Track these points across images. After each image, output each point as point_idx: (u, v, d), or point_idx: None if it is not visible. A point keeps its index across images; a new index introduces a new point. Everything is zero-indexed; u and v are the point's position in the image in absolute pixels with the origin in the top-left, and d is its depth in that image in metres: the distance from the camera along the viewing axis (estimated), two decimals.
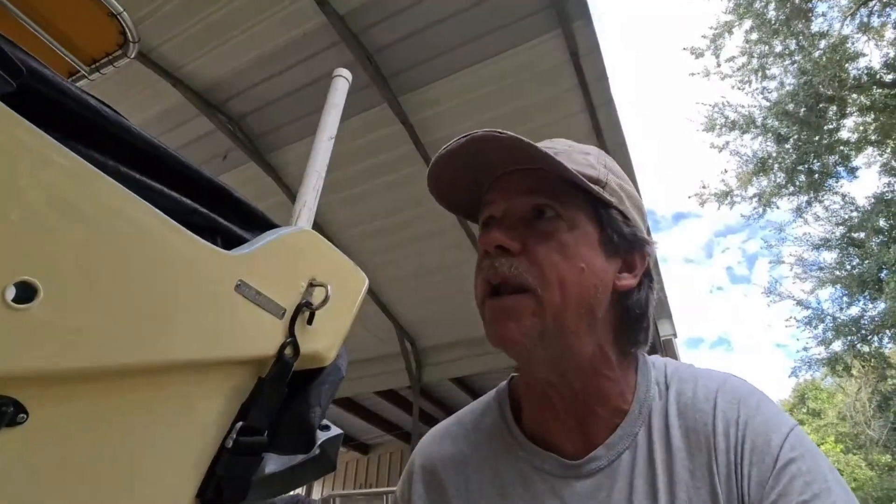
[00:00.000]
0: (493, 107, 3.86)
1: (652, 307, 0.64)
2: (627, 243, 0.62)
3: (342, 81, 1.34)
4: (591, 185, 0.60)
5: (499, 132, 0.58)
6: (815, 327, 10.61)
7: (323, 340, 0.70)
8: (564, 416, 0.62)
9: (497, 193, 0.63)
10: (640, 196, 0.67)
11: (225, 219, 0.73)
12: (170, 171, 0.69)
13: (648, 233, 0.65)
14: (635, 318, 0.62)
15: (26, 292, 0.41)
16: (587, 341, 0.59)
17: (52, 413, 0.45)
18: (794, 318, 10.90)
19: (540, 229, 0.59)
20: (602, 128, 3.84)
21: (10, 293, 0.40)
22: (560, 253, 0.58)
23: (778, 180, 10.93)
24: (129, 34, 1.68)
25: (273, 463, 0.68)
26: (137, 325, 0.48)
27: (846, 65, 9.40)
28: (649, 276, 0.64)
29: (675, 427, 0.58)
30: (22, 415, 0.43)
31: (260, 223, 0.79)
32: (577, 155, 0.63)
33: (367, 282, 0.80)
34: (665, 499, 0.54)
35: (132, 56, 1.72)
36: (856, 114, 10.09)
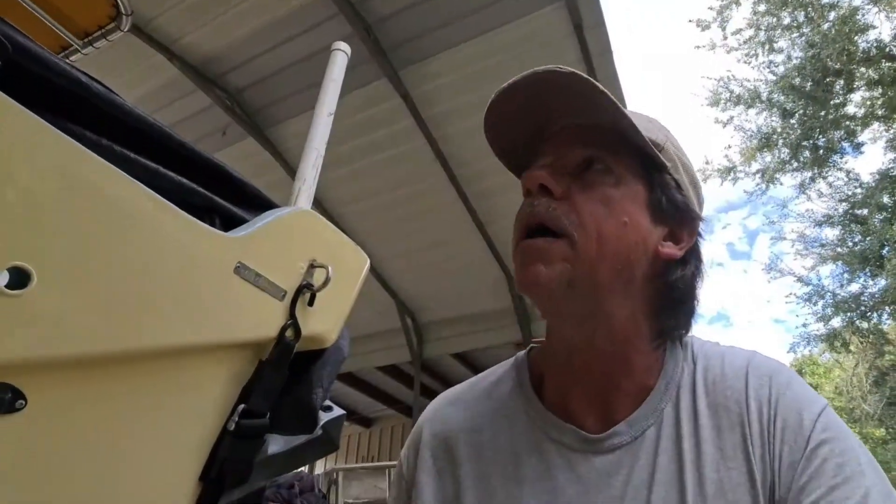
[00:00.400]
0: (495, 80, 3.78)
1: (698, 291, 0.61)
2: (677, 212, 0.59)
3: (341, 55, 1.31)
4: (647, 143, 0.58)
5: (560, 67, 0.56)
6: (815, 304, 10.65)
7: (324, 322, 0.69)
8: (587, 388, 0.60)
9: (548, 146, 0.62)
10: (698, 177, 0.65)
11: (223, 199, 0.72)
12: (165, 150, 0.68)
13: (701, 216, 0.62)
14: (678, 296, 0.60)
15: (20, 278, 0.40)
16: (621, 304, 0.57)
17: (51, 399, 0.44)
18: (794, 294, 10.93)
19: (587, 180, 0.58)
20: None
21: (3, 279, 0.40)
22: (603, 204, 0.56)
23: (782, 156, 10.83)
24: (122, 6, 1.64)
25: (275, 444, 0.68)
26: (135, 310, 0.47)
27: (855, 37, 9.21)
28: (697, 258, 0.62)
29: (703, 404, 0.57)
30: (20, 401, 0.42)
31: (258, 203, 0.77)
32: (639, 117, 0.61)
33: (368, 262, 0.79)
34: (692, 477, 0.52)
35: (126, 29, 1.67)
36: (863, 88, 9.93)
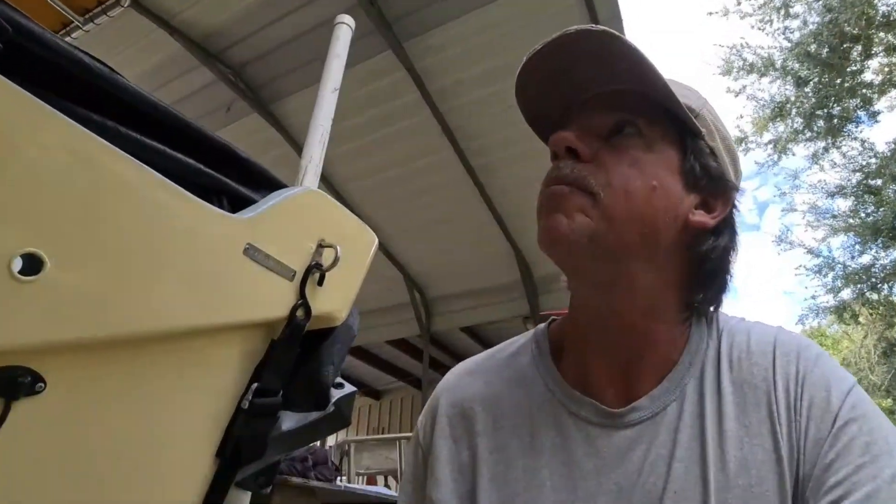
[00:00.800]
0: (501, 51, 3.71)
1: (731, 264, 0.60)
2: (711, 181, 0.58)
3: (344, 29, 1.29)
4: (682, 108, 0.56)
5: (592, 26, 0.54)
6: (825, 275, 10.57)
7: (334, 301, 0.70)
8: (609, 360, 0.59)
9: (580, 112, 0.60)
10: (735, 147, 0.63)
11: (230, 179, 0.72)
12: (171, 130, 0.67)
13: (738, 186, 0.60)
14: (710, 268, 0.58)
15: (33, 264, 0.40)
16: (645, 270, 0.55)
17: (69, 381, 0.45)
18: (804, 266, 10.85)
19: (617, 144, 0.56)
20: None
21: (17, 265, 0.40)
22: (632, 166, 0.54)
23: (795, 125, 10.61)
24: None
25: (289, 420, 0.69)
26: (146, 294, 0.48)
27: (875, 1, 8.91)
28: (732, 229, 0.60)
29: (728, 380, 0.55)
30: (40, 384, 0.43)
31: (266, 182, 0.77)
32: (676, 83, 0.59)
33: (376, 240, 0.79)
34: (714, 454, 0.51)
35: (126, 5, 1.65)
36: (881, 54, 9.64)
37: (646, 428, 0.55)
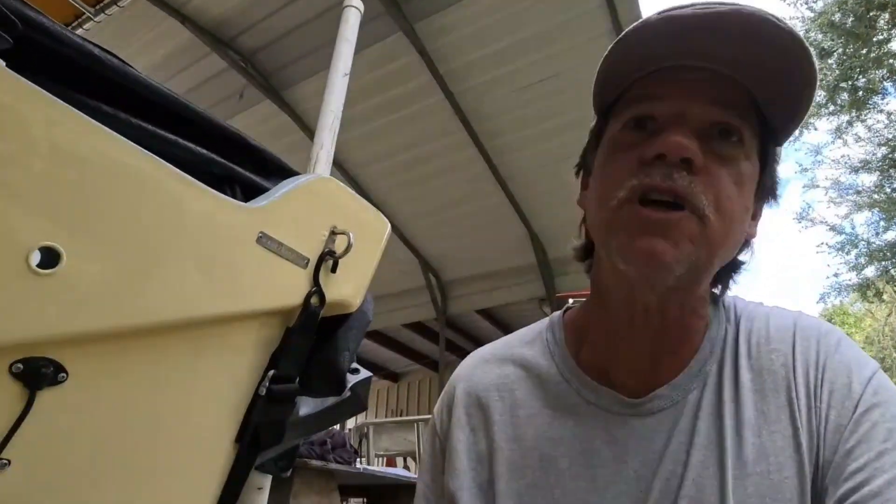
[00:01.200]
0: (512, 31, 3.65)
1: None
2: (770, 191, 0.56)
3: (353, 12, 1.27)
4: (792, 115, 0.51)
5: (767, 15, 0.46)
6: (848, 253, 10.35)
7: (348, 287, 0.70)
8: (637, 351, 0.57)
9: (672, 89, 0.51)
10: None
11: (242, 167, 0.72)
12: (183, 120, 0.67)
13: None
14: (738, 266, 0.58)
15: (50, 257, 0.41)
16: (709, 278, 0.55)
17: (91, 371, 0.46)
18: (826, 243, 10.62)
19: (722, 152, 0.50)
20: None
21: (35, 258, 0.41)
22: (737, 185, 0.50)
23: (817, 99, 10.32)
24: None
25: (306, 406, 0.70)
26: (162, 284, 0.48)
27: None
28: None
29: (746, 367, 0.54)
30: (62, 374, 0.44)
31: (278, 170, 0.77)
32: None
33: (388, 226, 0.79)
34: (732, 442, 0.50)
35: None
36: None
37: (666, 416, 0.54)
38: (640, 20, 0.50)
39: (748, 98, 0.51)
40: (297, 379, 0.64)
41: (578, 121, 4.29)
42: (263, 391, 0.59)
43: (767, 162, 0.54)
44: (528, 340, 0.69)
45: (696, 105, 0.50)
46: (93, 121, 0.45)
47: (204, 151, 0.69)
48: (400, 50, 3.88)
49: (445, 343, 6.65)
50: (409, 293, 6.67)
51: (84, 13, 1.74)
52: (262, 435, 0.58)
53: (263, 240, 0.58)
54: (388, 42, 3.83)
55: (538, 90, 4.07)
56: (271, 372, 0.60)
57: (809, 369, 0.52)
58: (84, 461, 0.46)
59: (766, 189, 0.55)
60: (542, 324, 0.70)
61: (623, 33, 0.51)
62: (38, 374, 0.42)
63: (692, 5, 0.48)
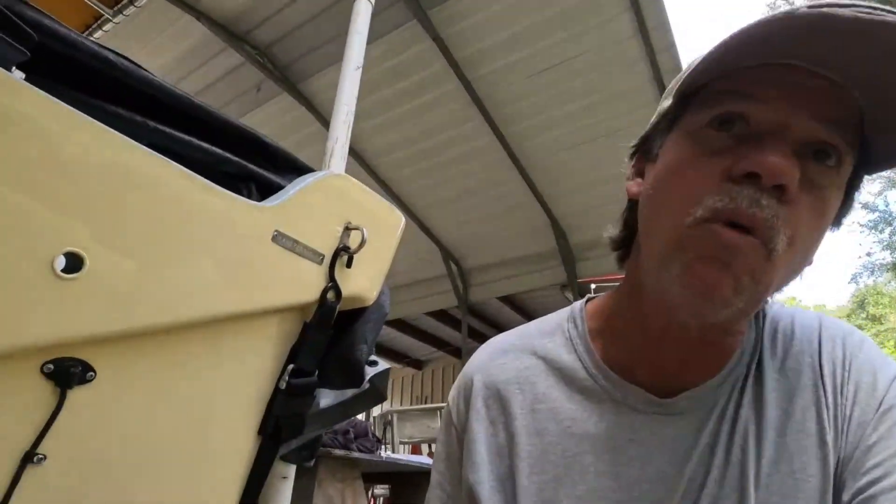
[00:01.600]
0: (527, 14, 3.60)
1: None
2: (840, 220, 0.51)
3: (364, 5, 1.27)
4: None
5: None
6: (882, 231, 10.01)
7: (363, 282, 0.71)
8: (670, 356, 0.54)
9: (774, 90, 0.45)
10: None
11: (257, 165, 0.73)
12: (197, 121, 0.69)
13: None
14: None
15: (74, 262, 0.43)
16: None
17: (118, 369, 0.48)
18: (858, 222, 10.30)
19: (814, 178, 0.44)
20: (649, 26, 3.54)
21: (60, 264, 0.42)
22: (821, 218, 0.46)
23: None
24: None
25: (326, 398, 0.72)
26: (181, 285, 0.50)
27: None
28: None
29: (770, 367, 0.54)
30: (90, 373, 0.46)
31: (292, 167, 0.78)
32: None
33: (402, 220, 0.79)
34: (755, 442, 0.50)
35: None
36: None
37: (693, 416, 0.54)
38: (784, 11, 0.43)
39: (857, 116, 0.45)
40: (316, 372, 0.65)
41: (597, 104, 4.22)
42: (284, 385, 0.60)
43: (852, 190, 0.48)
44: (549, 331, 0.67)
45: (801, 117, 0.44)
46: (110, 129, 0.47)
47: (219, 151, 0.70)
48: (414, 37, 3.85)
49: (468, 330, 6.67)
50: (430, 281, 6.69)
51: (103, 15, 1.77)
52: (283, 427, 0.60)
53: (279, 238, 0.59)
54: (402, 30, 3.81)
55: (555, 74, 4.01)
56: (291, 366, 0.61)
57: (836, 368, 0.51)
58: (115, 454, 0.48)
59: (838, 218, 0.49)
60: (562, 314, 0.68)
61: (762, 20, 0.44)
62: (67, 373, 0.44)
63: (852, 6, 0.41)
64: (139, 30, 3.47)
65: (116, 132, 0.47)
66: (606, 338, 0.61)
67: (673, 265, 0.46)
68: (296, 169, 0.77)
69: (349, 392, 0.71)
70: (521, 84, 4.17)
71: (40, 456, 0.43)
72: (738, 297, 0.44)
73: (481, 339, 8.08)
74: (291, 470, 0.77)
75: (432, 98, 4.42)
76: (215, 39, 3.83)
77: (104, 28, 1.80)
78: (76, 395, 0.45)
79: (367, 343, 0.75)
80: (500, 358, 0.67)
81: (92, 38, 1.80)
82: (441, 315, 7.46)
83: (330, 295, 0.64)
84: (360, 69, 1.20)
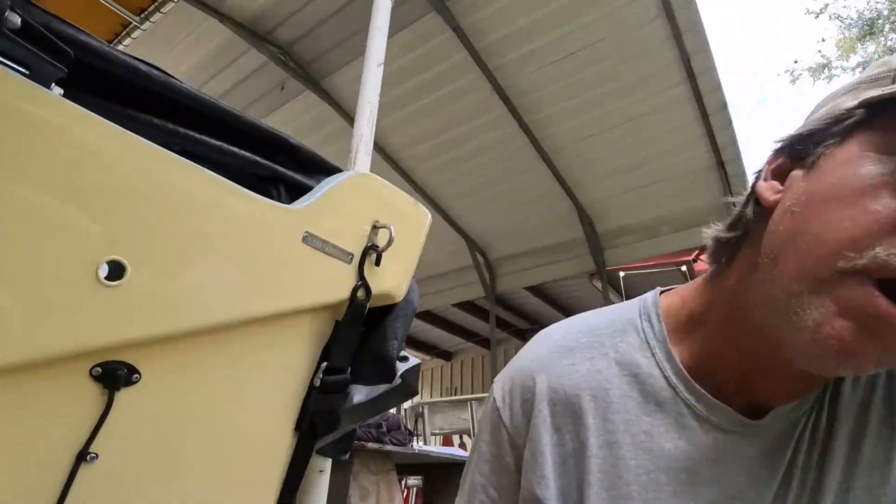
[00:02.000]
0: (546, 1, 3.55)
1: None
2: None
3: (384, 1, 1.27)
4: None
5: None
6: None
7: (392, 279, 0.72)
8: (770, 378, 0.50)
9: None
10: None
11: (285, 167, 0.74)
12: (226, 126, 0.70)
13: None
14: None
15: (117, 270, 0.44)
16: None
17: (161, 371, 0.50)
18: None
19: None
20: (674, 5, 3.44)
21: (104, 272, 0.44)
22: None
23: (889, 43, 9.48)
24: None
25: (359, 393, 0.73)
26: (217, 288, 0.51)
27: None
28: None
29: (847, 381, 0.51)
30: (135, 375, 0.48)
31: (319, 167, 0.79)
32: None
33: (429, 217, 0.80)
34: (830, 459, 0.48)
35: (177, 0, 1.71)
36: None
37: (775, 437, 0.51)
38: None
39: None
40: (349, 369, 0.67)
41: (620, 89, 4.14)
42: (318, 382, 0.62)
43: None
44: (620, 328, 0.60)
45: None
46: (145, 140, 0.48)
47: (248, 154, 0.71)
48: (434, 29, 3.84)
49: (496, 320, 6.67)
50: (457, 273, 6.70)
51: (131, 23, 1.82)
52: (318, 423, 0.62)
53: (309, 239, 0.60)
54: (422, 22, 3.80)
55: (576, 60, 3.95)
56: (324, 364, 0.63)
57: None
58: (161, 451, 0.50)
59: None
60: (631, 308, 0.61)
61: None
62: (114, 376, 0.46)
63: None
64: (165, 34, 3.55)
65: (151, 143, 0.49)
66: (687, 344, 0.55)
67: (807, 309, 0.39)
68: (323, 169, 0.79)
69: (381, 387, 0.73)
70: (543, 72, 4.11)
71: (93, 455, 0.45)
72: (878, 366, 0.39)
73: (509, 328, 8.07)
74: (328, 464, 0.79)
75: (454, 89, 4.40)
76: (238, 40, 3.88)
77: (132, 35, 1.85)
78: (123, 396, 0.47)
79: (398, 339, 0.76)
80: (566, 357, 0.60)
81: (121, 46, 1.84)
82: (469, 306, 7.48)
83: (360, 293, 0.66)
84: (382, 66, 1.21)
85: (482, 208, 5.71)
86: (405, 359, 0.77)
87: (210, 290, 0.51)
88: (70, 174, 0.43)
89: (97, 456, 0.46)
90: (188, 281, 0.49)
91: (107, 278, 0.44)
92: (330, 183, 0.66)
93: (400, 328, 0.78)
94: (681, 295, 0.58)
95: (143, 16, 1.78)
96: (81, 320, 0.43)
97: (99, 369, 0.46)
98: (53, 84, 0.48)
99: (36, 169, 0.41)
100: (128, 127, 0.61)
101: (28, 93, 0.42)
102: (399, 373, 0.75)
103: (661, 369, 0.55)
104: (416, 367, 0.77)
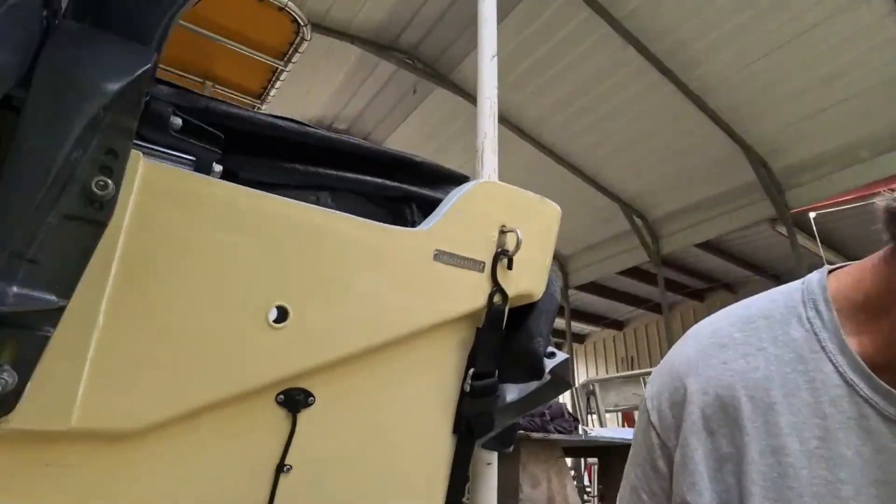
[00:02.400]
0: None
1: None
2: None
3: None
4: None
5: None
6: None
7: (528, 279, 0.72)
8: None
9: None
10: None
11: (413, 185, 0.79)
12: (356, 157, 0.77)
13: None
14: None
15: (282, 314, 0.52)
16: None
17: (332, 392, 0.58)
18: None
19: None
20: None
21: (273, 315, 0.52)
22: None
23: None
24: (300, 20, 1.84)
25: (511, 392, 0.76)
26: (366, 315, 0.57)
27: None
28: None
29: None
30: (311, 398, 0.56)
31: (445, 179, 0.83)
32: None
33: (558, 211, 0.78)
34: None
35: (309, 38, 1.89)
36: None
37: None
38: None
39: None
40: (497, 371, 0.69)
41: (777, 4, 3.55)
42: (468, 388, 0.65)
43: None
44: (779, 319, 0.54)
45: None
46: (291, 200, 0.56)
47: (379, 180, 0.78)
48: None
49: (665, 283, 6.24)
50: (616, 239, 6.41)
51: (278, 68, 2.07)
52: (474, 426, 0.65)
53: (440, 256, 0.64)
54: None
55: None
56: (471, 370, 0.66)
57: None
58: (341, 459, 0.58)
59: None
60: (792, 293, 0.55)
61: None
62: (294, 400, 0.55)
63: None
64: (308, 67, 3.95)
65: (295, 201, 0.56)
66: (866, 334, 0.49)
67: None
68: (450, 180, 0.82)
69: (532, 384, 0.74)
70: (675, 8, 3.69)
71: (288, 466, 0.54)
72: None
73: (683, 290, 7.49)
74: (494, 456, 0.83)
75: (583, 50, 4.19)
76: (369, 55, 4.16)
77: (281, 78, 2.10)
78: (304, 416, 0.55)
79: (543, 336, 0.77)
80: (718, 355, 0.55)
81: (273, 90, 2.08)
82: (635, 272, 7.11)
83: (496, 298, 0.67)
84: (496, 58, 1.20)
85: (633, 168, 5.37)
86: (552, 355, 0.77)
87: (360, 319, 0.57)
88: (237, 241, 0.52)
89: (291, 467, 0.55)
90: (339, 314, 0.56)
91: (275, 321, 0.52)
92: (452, 198, 0.69)
93: (544, 325, 0.78)
94: (853, 275, 0.51)
95: (285, 59, 2.01)
96: (262, 358, 0.52)
97: (282, 396, 0.54)
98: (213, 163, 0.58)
99: (210, 242, 0.50)
100: (276, 175, 0.71)
101: (199, 180, 0.51)
102: (548, 368, 0.76)
103: (834, 364, 0.48)
104: (565, 362, 0.77)
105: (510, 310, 0.74)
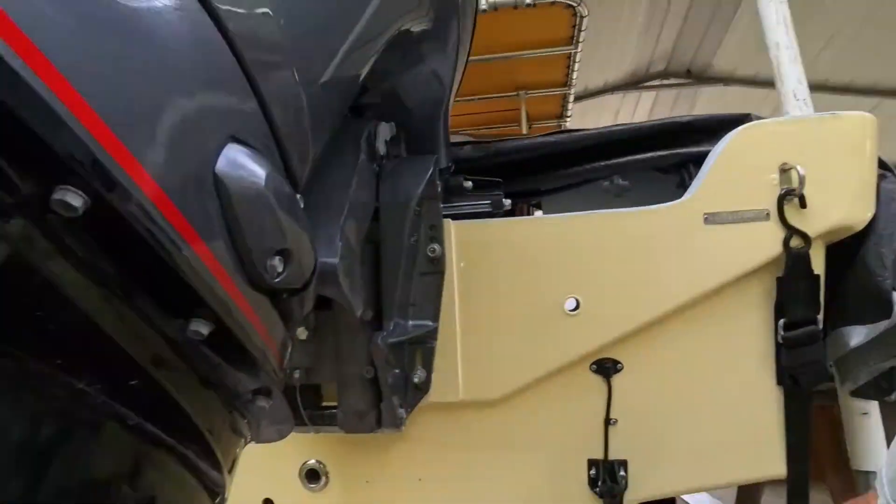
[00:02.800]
0: None
1: None
2: None
3: None
4: None
5: None
6: None
7: (837, 211, 0.64)
8: None
9: None
10: None
11: (687, 146, 0.79)
12: (630, 143, 0.82)
13: None
14: None
15: (575, 304, 0.66)
16: None
17: (638, 358, 0.68)
18: None
19: None
20: None
21: (570, 305, 0.67)
22: None
23: None
24: (572, 2, 1.92)
25: (857, 335, 0.67)
26: (646, 294, 0.66)
27: None
28: None
29: None
30: (619, 365, 0.68)
31: (722, 125, 0.79)
32: None
33: (868, 119, 0.66)
34: None
35: (587, 13, 1.96)
36: None
37: None
38: None
39: None
40: (819, 318, 0.65)
41: None
42: (780, 339, 0.64)
43: None
44: None
45: None
46: (570, 213, 0.71)
47: (651, 155, 0.81)
48: None
49: None
50: None
51: (570, 52, 2.21)
52: (799, 376, 0.63)
53: (711, 218, 0.65)
54: None
55: None
56: (782, 321, 0.64)
57: None
58: (659, 413, 0.68)
59: None
60: None
61: None
62: (604, 368, 0.67)
63: None
64: (593, 35, 3.88)
65: (574, 213, 0.70)
66: None
67: None
68: (726, 124, 0.77)
69: (882, 324, 0.65)
70: None
71: (614, 420, 0.67)
72: None
73: None
74: (872, 406, 0.74)
75: None
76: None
77: (577, 60, 2.24)
78: (616, 381, 0.67)
79: (887, 267, 0.65)
80: None
81: (574, 74, 2.22)
82: None
83: (794, 242, 0.63)
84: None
85: None
86: None
87: (641, 297, 0.66)
88: (530, 258, 0.69)
89: (616, 420, 0.67)
90: (622, 296, 0.67)
91: (571, 311, 0.66)
92: (713, 156, 0.69)
93: (888, 254, 0.66)
94: None
95: (573, 42, 2.14)
96: (565, 341, 0.67)
97: (594, 366, 0.68)
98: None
99: (509, 264, 0.69)
100: (562, 183, 0.84)
101: (489, 225, 0.71)
102: None
103: None
104: None
105: (836, 245, 0.67)
